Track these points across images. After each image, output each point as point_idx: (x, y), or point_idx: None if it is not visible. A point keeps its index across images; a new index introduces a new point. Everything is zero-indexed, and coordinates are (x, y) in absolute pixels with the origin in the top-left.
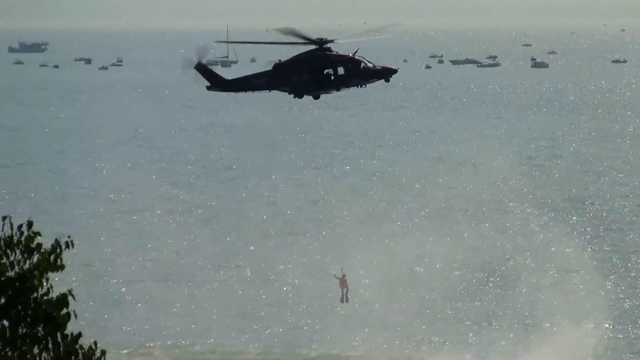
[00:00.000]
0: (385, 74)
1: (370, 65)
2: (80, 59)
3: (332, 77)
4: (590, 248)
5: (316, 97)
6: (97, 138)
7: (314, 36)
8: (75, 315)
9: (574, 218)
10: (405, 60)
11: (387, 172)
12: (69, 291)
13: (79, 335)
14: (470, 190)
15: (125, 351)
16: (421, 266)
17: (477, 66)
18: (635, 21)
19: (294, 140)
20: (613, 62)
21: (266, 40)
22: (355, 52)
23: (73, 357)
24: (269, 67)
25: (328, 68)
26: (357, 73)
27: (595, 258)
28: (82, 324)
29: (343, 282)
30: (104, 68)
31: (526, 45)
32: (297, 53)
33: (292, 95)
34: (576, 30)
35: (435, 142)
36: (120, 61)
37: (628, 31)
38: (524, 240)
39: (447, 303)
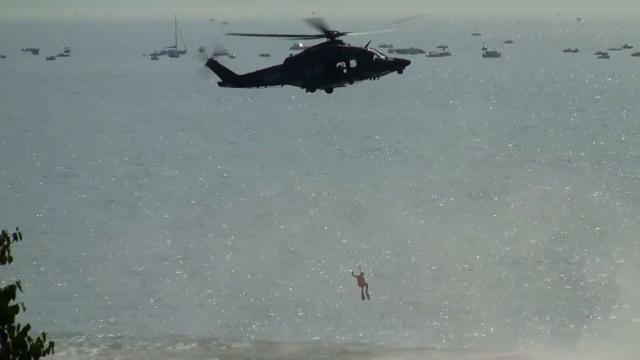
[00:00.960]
0: (398, 65)
1: (382, 57)
2: (27, 49)
3: (345, 70)
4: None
5: (329, 91)
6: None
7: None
8: (24, 308)
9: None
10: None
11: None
12: (17, 283)
13: (28, 327)
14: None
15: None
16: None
17: (426, 56)
18: (590, 9)
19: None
20: (565, 51)
21: (269, 33)
22: (367, 44)
23: (21, 350)
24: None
25: (340, 61)
26: (370, 65)
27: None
28: (37, 317)
29: (361, 279)
30: (52, 58)
31: (476, 34)
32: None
33: (305, 90)
34: (522, 19)
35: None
36: (68, 51)
37: (584, 20)
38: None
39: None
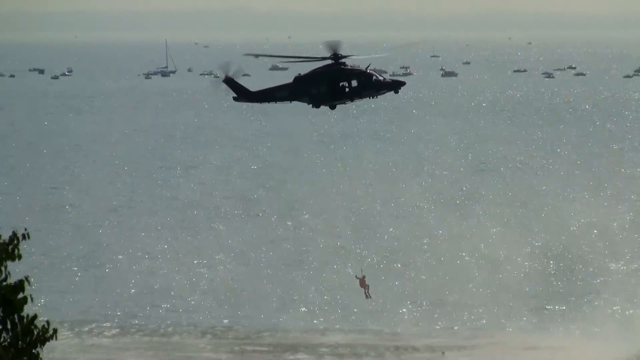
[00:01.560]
0: (395, 86)
1: (381, 78)
2: (34, 69)
3: (347, 89)
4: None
5: (332, 107)
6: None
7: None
8: (32, 299)
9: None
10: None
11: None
12: (26, 278)
13: (35, 317)
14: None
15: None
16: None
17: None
18: (541, 33)
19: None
20: (514, 71)
21: (281, 55)
22: (368, 66)
23: (29, 337)
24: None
25: (343, 81)
26: (370, 85)
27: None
28: (38, 306)
29: (363, 281)
30: (56, 77)
31: (434, 56)
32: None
33: (310, 106)
34: (473, 43)
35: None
36: (71, 71)
37: (534, 44)
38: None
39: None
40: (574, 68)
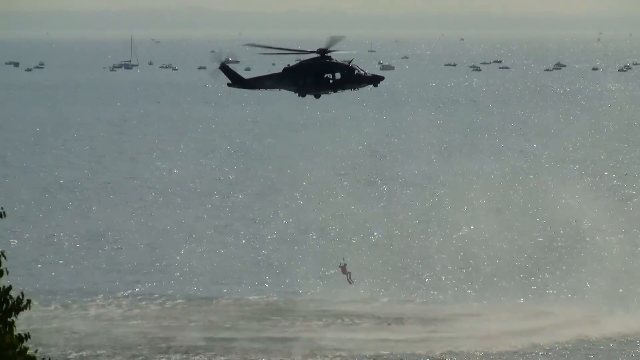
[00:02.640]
0: (374, 80)
1: (362, 72)
2: (9, 63)
3: (331, 81)
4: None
5: (317, 97)
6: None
7: (314, 47)
8: (7, 272)
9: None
10: (273, 64)
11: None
12: (2, 252)
13: (9, 288)
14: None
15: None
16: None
17: None
18: (473, 32)
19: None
20: (445, 65)
21: (279, 47)
22: (351, 61)
23: (4, 306)
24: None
25: (328, 73)
26: (352, 78)
27: None
28: (18, 279)
29: (344, 269)
30: (29, 70)
31: (371, 51)
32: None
33: (297, 94)
34: (400, 38)
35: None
36: (42, 64)
37: (467, 40)
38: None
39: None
40: (500, 62)
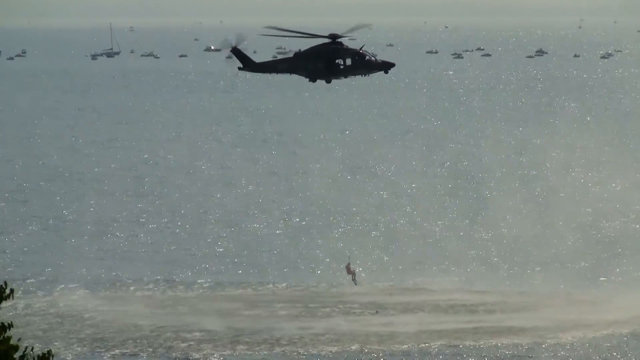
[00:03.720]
0: (385, 66)
1: (373, 59)
2: None
3: (342, 67)
4: None
5: (328, 82)
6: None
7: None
8: None
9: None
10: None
11: None
12: None
13: None
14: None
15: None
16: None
17: None
18: (456, 19)
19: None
20: (427, 52)
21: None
22: (362, 47)
23: None
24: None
25: (339, 59)
26: (363, 64)
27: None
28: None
29: (348, 268)
30: (11, 58)
31: (351, 39)
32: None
33: (308, 79)
34: (374, 23)
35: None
36: (24, 52)
37: (451, 28)
38: None
39: None
40: (482, 49)
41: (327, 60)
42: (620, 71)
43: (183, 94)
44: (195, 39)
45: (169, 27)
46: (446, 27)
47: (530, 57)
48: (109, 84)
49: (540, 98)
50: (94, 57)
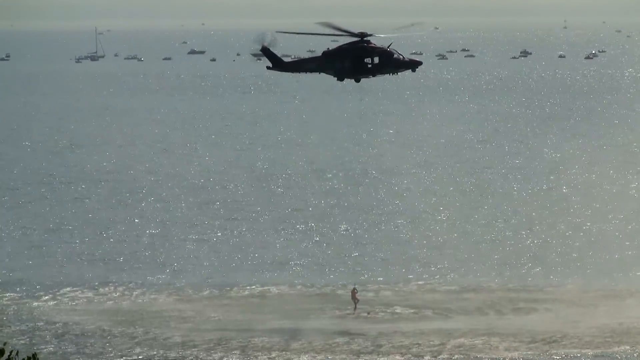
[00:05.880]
0: (413, 65)
1: (400, 57)
2: None
3: (370, 65)
4: None
5: (357, 81)
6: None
7: (355, 30)
8: None
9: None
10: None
11: None
12: None
13: None
14: None
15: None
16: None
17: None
18: (446, 19)
19: None
20: (411, 53)
21: (313, 32)
22: (389, 45)
23: None
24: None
25: (367, 57)
26: (390, 63)
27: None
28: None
29: (354, 294)
30: None
31: (334, 41)
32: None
33: (336, 78)
34: (361, 25)
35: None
36: (8, 56)
37: (441, 29)
38: None
39: None
40: (467, 50)
41: (356, 59)
42: (607, 71)
43: (198, 96)
44: (184, 42)
45: (152, 30)
46: (436, 28)
47: (515, 57)
48: (94, 86)
49: (521, 98)
50: (78, 60)
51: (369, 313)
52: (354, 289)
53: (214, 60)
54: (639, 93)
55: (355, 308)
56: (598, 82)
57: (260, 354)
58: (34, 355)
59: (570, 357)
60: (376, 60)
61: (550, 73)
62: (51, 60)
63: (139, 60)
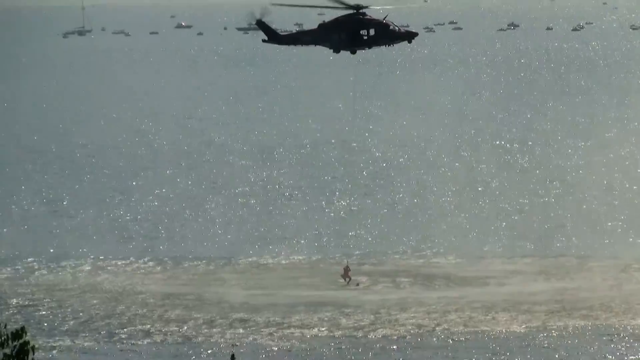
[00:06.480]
0: (409, 36)
1: (396, 29)
2: None
3: (365, 37)
4: None
5: (353, 52)
6: None
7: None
8: None
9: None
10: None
11: None
12: None
13: None
14: None
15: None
16: None
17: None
18: None
19: None
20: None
21: (310, 4)
22: (385, 17)
23: None
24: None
25: (363, 29)
26: (386, 35)
27: None
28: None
29: (346, 271)
30: None
31: (320, 14)
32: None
33: (332, 50)
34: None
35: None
36: None
37: (430, 2)
38: None
39: None
40: (455, 23)
41: (351, 30)
42: (594, 43)
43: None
44: (172, 16)
45: (138, 3)
46: (425, 1)
47: (502, 30)
48: (85, 62)
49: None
50: (65, 35)
51: (358, 284)
52: (346, 266)
53: (200, 34)
54: (626, 62)
55: (347, 277)
56: (589, 53)
57: (258, 328)
58: (22, 328)
59: (573, 327)
60: (372, 32)
61: (540, 45)
62: (38, 35)
63: (126, 35)
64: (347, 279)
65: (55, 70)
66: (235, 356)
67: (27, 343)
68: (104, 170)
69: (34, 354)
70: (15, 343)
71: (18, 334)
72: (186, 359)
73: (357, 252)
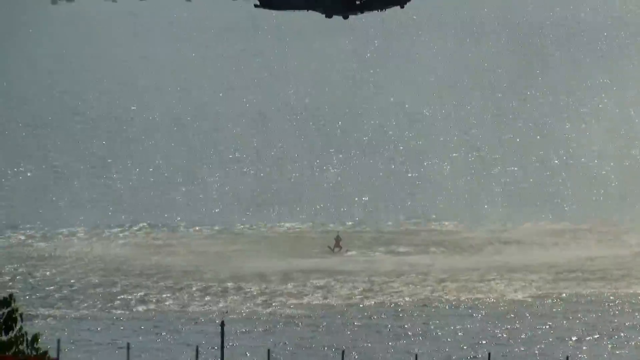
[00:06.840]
0: (401, 1)
1: None
2: None
3: (358, 2)
4: None
5: (345, 18)
6: None
7: None
8: None
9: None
10: None
11: None
12: None
13: None
14: None
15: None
16: None
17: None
18: None
19: None
20: None
21: None
22: None
23: None
24: None
25: None
26: None
27: None
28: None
29: (337, 243)
30: None
31: None
32: None
33: (324, 16)
34: None
35: None
36: None
37: None
38: None
39: None
40: None
41: None
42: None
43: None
44: None
45: None
46: None
47: None
48: (74, 30)
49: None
50: (53, 2)
51: (347, 250)
52: (337, 236)
53: (189, 0)
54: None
55: (336, 247)
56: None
57: (251, 295)
58: (10, 295)
59: (569, 294)
60: None
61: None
62: (26, 2)
63: (113, 1)
64: (338, 249)
65: (48, 38)
66: (225, 323)
67: (15, 310)
68: (99, 138)
69: (22, 322)
70: (3, 311)
71: (6, 301)
72: (179, 327)
73: (352, 219)
